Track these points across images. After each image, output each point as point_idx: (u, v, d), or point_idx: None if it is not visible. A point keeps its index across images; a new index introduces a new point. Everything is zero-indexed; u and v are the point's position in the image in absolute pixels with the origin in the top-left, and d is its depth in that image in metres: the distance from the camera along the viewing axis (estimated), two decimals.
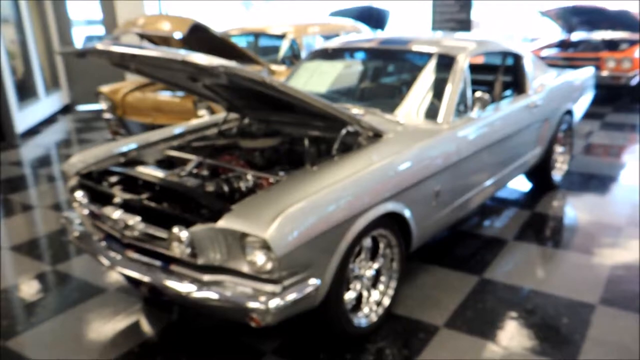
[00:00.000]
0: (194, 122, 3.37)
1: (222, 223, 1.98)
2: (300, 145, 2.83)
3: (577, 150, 5.48)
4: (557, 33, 8.93)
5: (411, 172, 2.58)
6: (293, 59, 5.79)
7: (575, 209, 4.08)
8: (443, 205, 2.88)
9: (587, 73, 4.73)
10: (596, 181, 4.60)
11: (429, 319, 2.63)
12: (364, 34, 6.12)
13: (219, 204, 2.11)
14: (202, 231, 2.01)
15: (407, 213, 2.55)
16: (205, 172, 2.55)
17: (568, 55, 7.82)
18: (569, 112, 4.33)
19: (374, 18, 10.27)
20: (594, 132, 6.31)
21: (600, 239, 3.49)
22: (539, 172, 4.21)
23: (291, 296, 1.99)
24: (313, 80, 3.77)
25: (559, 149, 4.36)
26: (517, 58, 3.83)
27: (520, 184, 4.46)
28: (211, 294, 2.01)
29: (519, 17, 10.59)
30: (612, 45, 8.04)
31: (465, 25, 9.46)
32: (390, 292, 2.59)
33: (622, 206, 4.07)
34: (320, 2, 12.28)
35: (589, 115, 7.13)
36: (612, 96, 8.00)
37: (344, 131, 2.61)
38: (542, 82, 3.98)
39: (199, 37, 4.73)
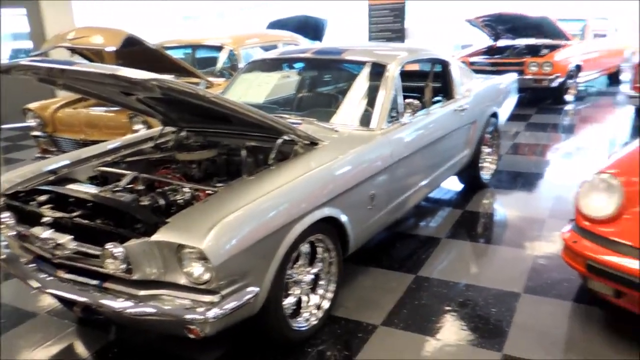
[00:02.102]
0: (129, 137, 3.34)
1: (157, 236, 1.99)
2: (237, 156, 2.87)
3: (505, 150, 5.80)
4: (485, 40, 9.42)
5: (346, 178, 2.68)
6: (231, 70, 5.81)
7: (503, 206, 4.33)
8: (379, 208, 2.99)
9: (510, 78, 5.04)
10: (522, 178, 4.90)
11: (367, 319, 2.72)
12: (302, 45, 6.23)
13: (154, 218, 2.12)
14: (137, 246, 2.00)
15: (343, 217, 2.64)
16: (140, 187, 2.53)
17: (495, 61, 8.27)
18: (495, 115, 4.59)
19: (311, 28, 10.42)
20: (520, 132, 6.69)
21: (526, 232, 3.73)
22: (469, 172, 4.43)
23: (230, 305, 2.02)
24: (250, 92, 3.82)
25: (486, 149, 4.60)
26: (445, 65, 4.03)
27: (453, 185, 4.68)
28: (148, 309, 2.01)
29: (450, 25, 11.03)
30: (534, 50, 8.56)
31: (399, 34, 9.81)
32: (330, 295, 2.67)
33: (546, 200, 4.36)
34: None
35: (515, 117, 7.54)
36: (536, 98, 8.51)
37: (280, 140, 2.67)
38: (469, 87, 4.21)
39: (133, 50, 4.66)
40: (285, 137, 2.69)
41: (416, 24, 10.83)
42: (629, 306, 2.33)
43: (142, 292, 2.06)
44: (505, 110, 4.90)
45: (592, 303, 2.72)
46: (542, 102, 8.42)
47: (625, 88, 6.74)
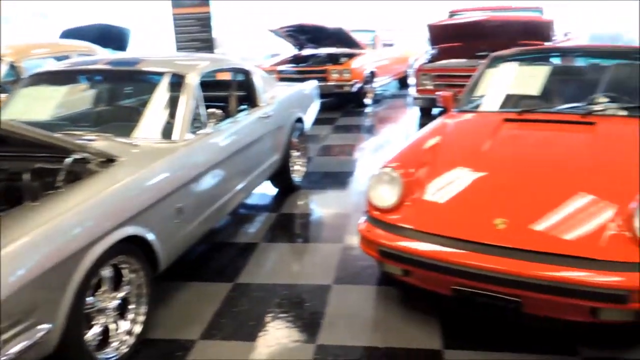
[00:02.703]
0: None
1: None
2: (20, 181, 2.55)
3: (315, 152, 6.16)
4: (291, 50, 9.89)
5: (147, 193, 2.57)
6: (14, 84, 5.15)
7: (315, 205, 4.59)
8: (188, 221, 2.93)
9: (311, 85, 5.37)
10: (331, 178, 5.25)
11: (185, 335, 2.65)
12: (98, 56, 5.81)
13: None
14: None
15: (149, 235, 2.53)
16: None
17: (300, 69, 8.73)
18: (300, 120, 4.84)
19: (113, 39, 9.78)
20: (327, 135, 7.17)
21: (336, 227, 4.00)
22: (281, 176, 4.60)
23: (15, 349, 1.79)
24: (34, 108, 3.44)
25: (295, 153, 4.84)
26: (247, 74, 4.12)
27: (267, 189, 4.82)
28: None
29: (259, 35, 11.29)
30: (334, 59, 9.26)
31: (207, 44, 9.75)
32: (141, 318, 2.53)
33: (353, 196, 4.73)
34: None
35: (322, 121, 8.05)
36: (341, 103, 9.22)
37: (68, 160, 2.45)
38: (273, 94, 4.38)
39: None
40: (76, 156, 2.48)
41: (225, 34, 10.90)
42: (416, 282, 2.64)
43: None
44: (309, 115, 5.20)
45: (390, 284, 3.03)
46: (346, 106, 9.15)
47: (412, 91, 7.70)
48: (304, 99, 5.04)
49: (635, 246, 2.12)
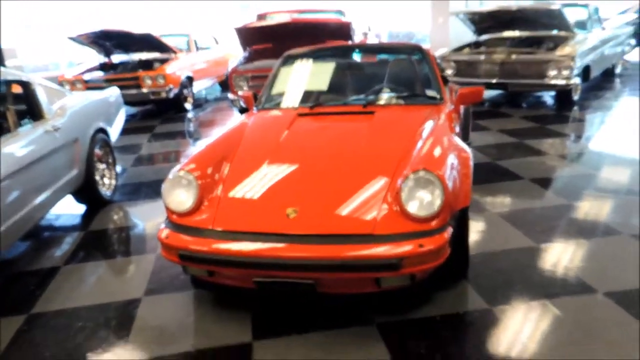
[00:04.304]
0: None
1: None
2: None
3: (129, 163, 5.85)
4: (98, 57, 9.22)
5: None
6: None
7: (127, 217, 4.35)
8: None
9: (112, 92, 5.06)
10: (147, 187, 5.01)
11: None
12: None
13: None
14: None
15: None
16: None
17: (109, 77, 8.21)
18: (102, 130, 4.53)
19: None
20: (143, 143, 6.85)
21: (148, 238, 3.84)
22: (86, 192, 4.28)
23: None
24: None
25: (101, 165, 4.53)
26: (27, 85, 3.73)
27: (75, 207, 4.44)
28: None
29: (61, 43, 10.34)
30: (147, 64, 8.88)
31: None
32: None
33: None
34: None
35: (139, 130, 7.72)
36: (160, 110, 8.90)
37: None
38: (62, 105, 4.03)
39: None
40: None
41: (22, 43, 9.78)
42: (223, 281, 2.65)
43: None
44: (115, 124, 4.91)
45: (202, 287, 3.00)
46: (166, 112, 8.85)
47: (230, 93, 7.74)
48: (105, 108, 4.73)
49: (403, 219, 2.40)
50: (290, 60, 4.01)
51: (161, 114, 8.73)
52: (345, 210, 2.49)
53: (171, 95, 8.28)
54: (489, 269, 3.05)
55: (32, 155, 3.35)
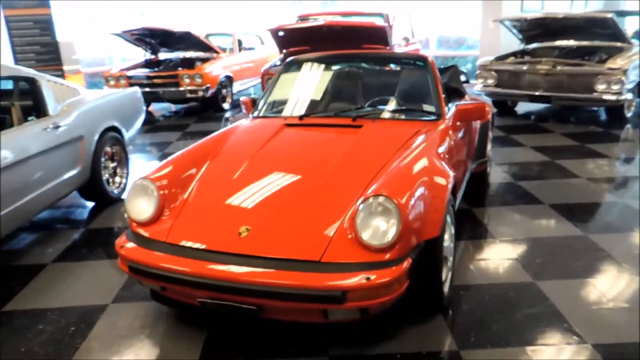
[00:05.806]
0: None
1: None
2: None
3: (153, 160, 5.93)
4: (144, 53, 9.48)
5: None
6: None
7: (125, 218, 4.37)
8: None
9: (130, 91, 5.13)
10: None
11: None
12: None
13: None
14: None
15: None
16: None
17: (150, 75, 8.40)
18: (115, 129, 4.59)
19: None
20: (172, 142, 6.92)
21: None
22: (93, 189, 4.35)
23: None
24: None
25: (111, 164, 4.59)
26: (33, 82, 3.82)
27: (83, 204, 4.53)
28: None
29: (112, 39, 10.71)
30: (188, 63, 9.02)
31: (51, 48, 9.10)
32: None
33: None
34: None
35: (171, 128, 7.86)
36: (199, 108, 9.02)
37: None
38: (71, 103, 4.10)
39: None
40: None
41: (78, 38, 10.23)
42: (176, 297, 2.56)
43: None
44: (131, 122, 4.97)
45: (159, 301, 2.85)
46: (204, 111, 8.96)
47: None
48: (120, 107, 4.79)
49: (356, 247, 2.20)
50: (292, 66, 3.87)
51: (198, 113, 8.85)
52: (297, 232, 2.33)
53: (208, 94, 8.37)
54: (470, 304, 2.78)
55: (25, 151, 3.41)
